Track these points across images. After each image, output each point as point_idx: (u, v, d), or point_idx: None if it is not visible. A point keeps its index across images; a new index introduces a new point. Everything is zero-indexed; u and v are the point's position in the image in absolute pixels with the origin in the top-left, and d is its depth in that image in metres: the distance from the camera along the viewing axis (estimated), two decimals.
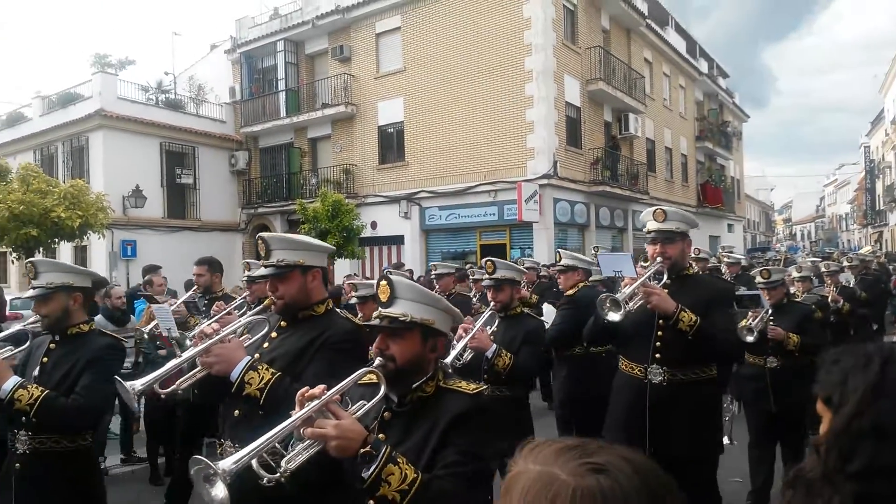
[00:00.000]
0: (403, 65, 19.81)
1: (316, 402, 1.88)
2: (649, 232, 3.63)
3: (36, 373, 3.15)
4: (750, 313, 5.11)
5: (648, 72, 24.62)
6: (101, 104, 19.81)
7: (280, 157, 23.30)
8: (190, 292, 6.07)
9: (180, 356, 2.65)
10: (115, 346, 3.32)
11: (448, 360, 3.77)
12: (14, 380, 2.97)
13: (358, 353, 2.63)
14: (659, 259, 3.53)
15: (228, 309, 5.01)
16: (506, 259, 15.11)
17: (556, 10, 18.11)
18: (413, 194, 19.56)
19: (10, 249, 13.73)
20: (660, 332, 3.47)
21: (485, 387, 2.11)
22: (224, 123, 23.45)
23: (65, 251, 19.86)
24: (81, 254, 20.30)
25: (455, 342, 4.02)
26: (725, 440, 5.42)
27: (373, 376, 2.08)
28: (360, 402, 2.08)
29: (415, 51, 19.57)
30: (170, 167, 21.57)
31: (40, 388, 2.98)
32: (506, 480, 0.87)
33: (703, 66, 31.82)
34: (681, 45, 28.53)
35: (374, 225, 19.78)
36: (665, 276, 3.55)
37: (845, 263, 10.69)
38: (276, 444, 1.88)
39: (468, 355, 4.03)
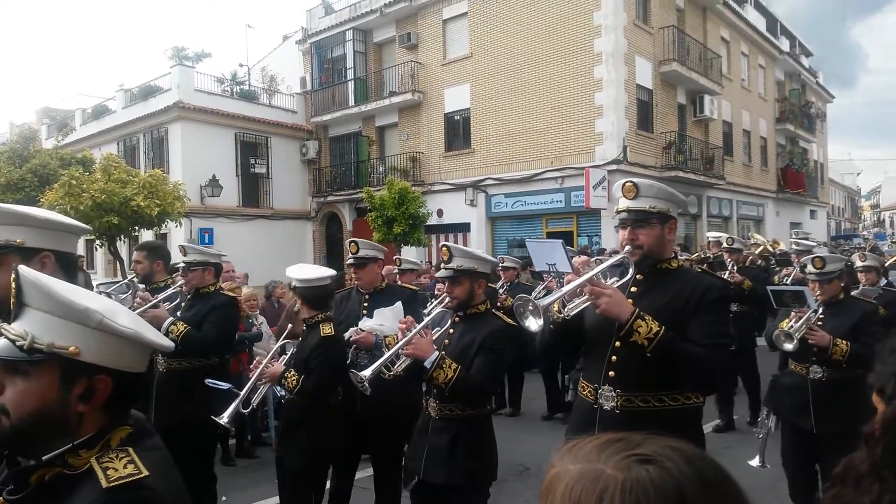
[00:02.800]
0: (470, 51, 19.69)
1: None
2: (619, 212, 2.81)
3: None
4: (793, 313, 4.21)
5: (725, 51, 23.62)
6: (179, 96, 20.55)
7: (349, 146, 23.64)
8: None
9: None
10: None
11: (368, 372, 3.27)
12: None
13: None
14: (627, 247, 2.69)
15: (155, 301, 4.53)
16: (573, 247, 14.63)
17: None
18: (479, 182, 19.48)
19: (95, 237, 14.46)
20: (617, 343, 2.62)
21: (144, 475, 1.24)
22: (295, 113, 23.95)
23: (145, 238, 20.79)
24: (161, 241, 21.18)
25: (386, 346, 3.48)
26: (756, 461, 4.73)
27: None
28: None
29: (481, 36, 19.41)
30: (244, 157, 22.21)
31: None
32: (544, 483, 0.82)
33: (785, 44, 30.31)
34: (760, 22, 27.24)
35: (440, 213, 19.81)
36: (632, 270, 2.74)
37: None
38: None
39: (401, 364, 3.37)
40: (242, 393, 3.98)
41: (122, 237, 14.62)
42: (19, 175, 17.97)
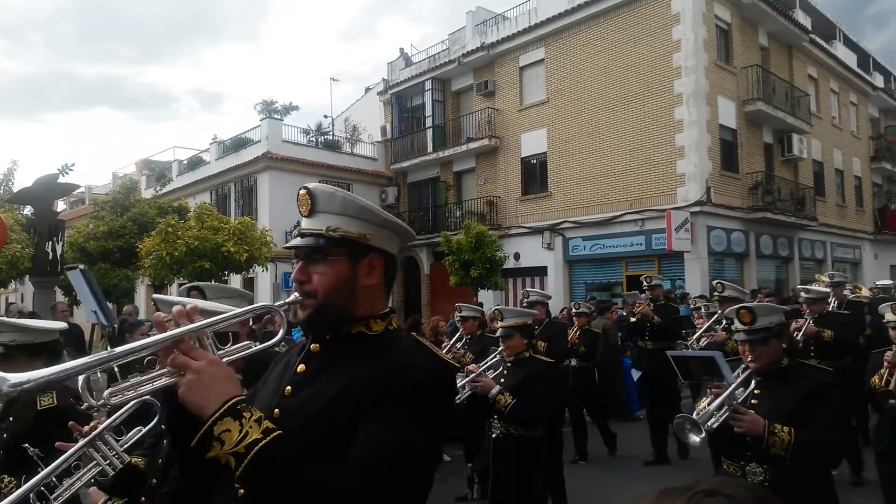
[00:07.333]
0: (546, 96, 19.83)
1: None
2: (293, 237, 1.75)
3: None
4: (709, 390, 3.04)
5: (814, 89, 22.82)
6: (267, 147, 21.60)
7: (427, 192, 24.08)
8: None
9: None
10: None
11: None
12: None
13: None
14: (294, 295, 1.65)
15: None
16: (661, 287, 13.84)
17: (708, 31, 17.33)
18: (556, 225, 19.34)
19: (187, 281, 15.18)
20: None
21: None
22: (376, 161, 24.69)
23: (234, 282, 21.66)
24: (249, 285, 22.00)
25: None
26: None
27: None
28: None
29: (558, 81, 19.54)
30: None
31: None
32: None
33: (879, 80, 29.01)
34: (851, 59, 26.22)
35: (516, 256, 19.75)
36: (282, 332, 1.63)
37: None
38: None
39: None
40: None
41: (213, 281, 15.29)
42: (120, 223, 19.15)
